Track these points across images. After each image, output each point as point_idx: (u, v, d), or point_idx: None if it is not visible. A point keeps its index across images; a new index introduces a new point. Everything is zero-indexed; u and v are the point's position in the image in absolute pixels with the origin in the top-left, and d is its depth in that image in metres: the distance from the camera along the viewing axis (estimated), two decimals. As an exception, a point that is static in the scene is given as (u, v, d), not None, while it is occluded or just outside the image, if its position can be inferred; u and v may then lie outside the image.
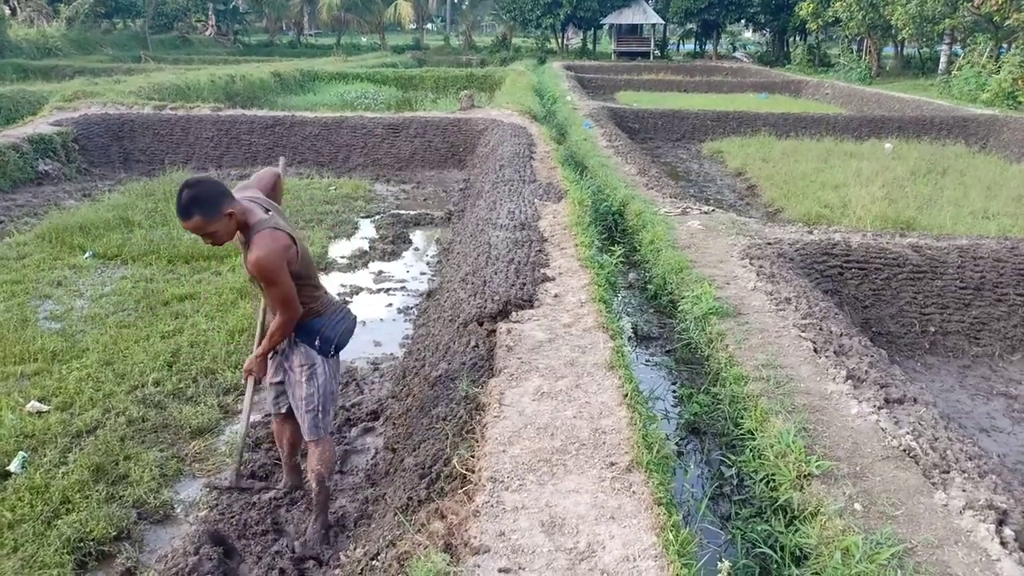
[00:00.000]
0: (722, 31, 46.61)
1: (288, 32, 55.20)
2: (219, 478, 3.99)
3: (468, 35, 52.07)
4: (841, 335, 4.93)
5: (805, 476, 3.36)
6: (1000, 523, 2.99)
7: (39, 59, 29.05)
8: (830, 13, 29.64)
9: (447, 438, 3.52)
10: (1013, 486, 3.34)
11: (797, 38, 41.36)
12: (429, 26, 60.37)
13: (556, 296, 5.21)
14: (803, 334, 4.92)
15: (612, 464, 3.14)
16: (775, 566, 3.21)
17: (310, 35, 56.51)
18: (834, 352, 4.63)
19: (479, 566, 2.56)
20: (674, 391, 5.26)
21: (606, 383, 3.88)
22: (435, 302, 6.45)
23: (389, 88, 23.96)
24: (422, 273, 7.76)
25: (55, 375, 4.93)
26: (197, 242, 6.54)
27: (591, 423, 3.48)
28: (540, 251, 6.18)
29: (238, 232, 3.10)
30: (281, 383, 3.52)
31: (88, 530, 3.46)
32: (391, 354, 5.77)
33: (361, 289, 7.15)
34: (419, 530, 2.87)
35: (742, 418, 4.11)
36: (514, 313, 4.88)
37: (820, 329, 4.98)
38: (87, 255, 7.46)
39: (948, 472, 3.33)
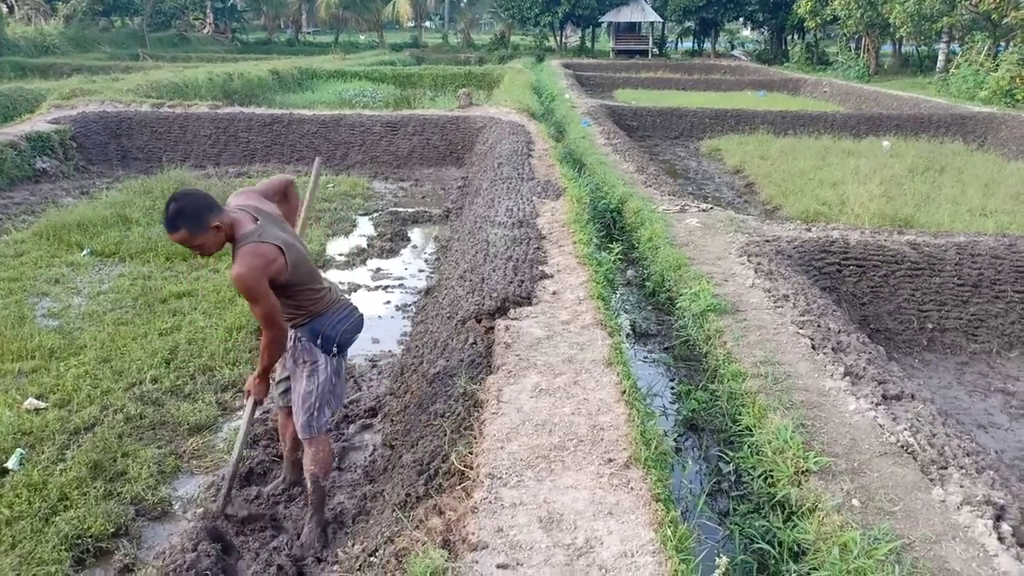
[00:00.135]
0: (720, 29, 46.62)
1: (286, 30, 55.13)
2: (212, 505, 3.69)
3: (466, 33, 52.04)
4: (839, 332, 4.94)
5: (803, 472, 3.37)
6: (998, 519, 3.00)
7: (37, 57, 29.00)
8: (828, 11, 29.68)
9: (445, 435, 3.52)
10: (1010, 482, 3.34)
11: (795, 36, 41.36)
12: (427, 24, 60.34)
13: (554, 293, 5.21)
14: (801, 331, 4.92)
15: (610, 460, 3.14)
16: (773, 562, 3.22)
17: (308, 33, 56.45)
18: (832, 349, 4.64)
19: (477, 562, 2.57)
20: (672, 388, 5.27)
21: (604, 380, 3.88)
22: (433, 299, 6.44)
23: (387, 86, 23.95)
24: (420, 270, 7.75)
25: (53, 372, 4.92)
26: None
27: (589, 420, 3.48)
28: (538, 248, 6.18)
29: (228, 243, 3.10)
30: (288, 379, 3.53)
31: (86, 527, 3.46)
32: (389, 351, 5.77)
33: (359, 286, 7.15)
34: (417, 526, 2.87)
35: (740, 414, 4.12)
36: (512, 310, 4.88)
37: (818, 326, 4.98)
38: (85, 253, 7.45)
39: (946, 468, 3.34)
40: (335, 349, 3.39)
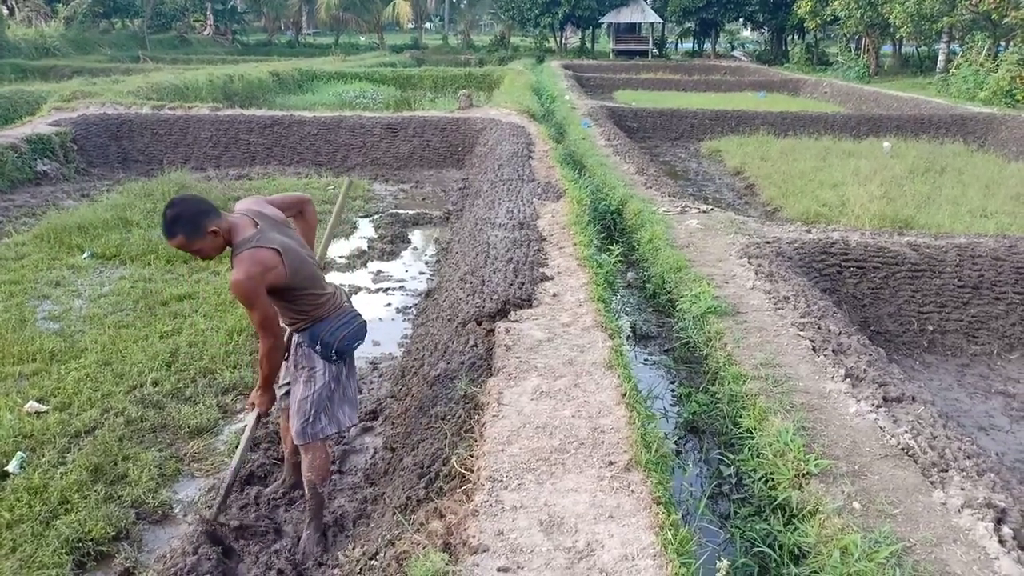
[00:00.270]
0: (720, 30, 46.64)
1: (286, 32, 55.17)
2: (207, 511, 3.65)
3: (466, 34, 52.10)
4: (839, 334, 4.93)
5: (804, 475, 3.37)
6: (998, 521, 2.99)
7: (37, 59, 29.01)
8: (828, 11, 29.69)
9: (446, 437, 3.52)
10: (1011, 484, 3.34)
11: (795, 37, 41.38)
12: (427, 25, 60.35)
13: (555, 295, 5.21)
14: (802, 333, 4.92)
15: (611, 463, 3.14)
16: (774, 565, 3.21)
17: (308, 35, 56.48)
18: (832, 351, 4.64)
19: (478, 565, 2.56)
20: (673, 390, 5.26)
21: (605, 382, 3.88)
22: (434, 302, 6.45)
23: (387, 87, 23.96)
24: (421, 273, 7.75)
25: (53, 375, 4.93)
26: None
27: (590, 422, 3.48)
28: (539, 250, 6.18)
29: (227, 247, 3.10)
30: (291, 382, 3.53)
31: (87, 530, 3.46)
32: (390, 354, 5.77)
33: (360, 289, 7.15)
34: (418, 530, 2.87)
35: (741, 417, 4.11)
36: (513, 312, 4.88)
37: (819, 328, 4.98)
38: (85, 255, 7.45)
39: (946, 471, 3.33)
40: (334, 355, 3.36)
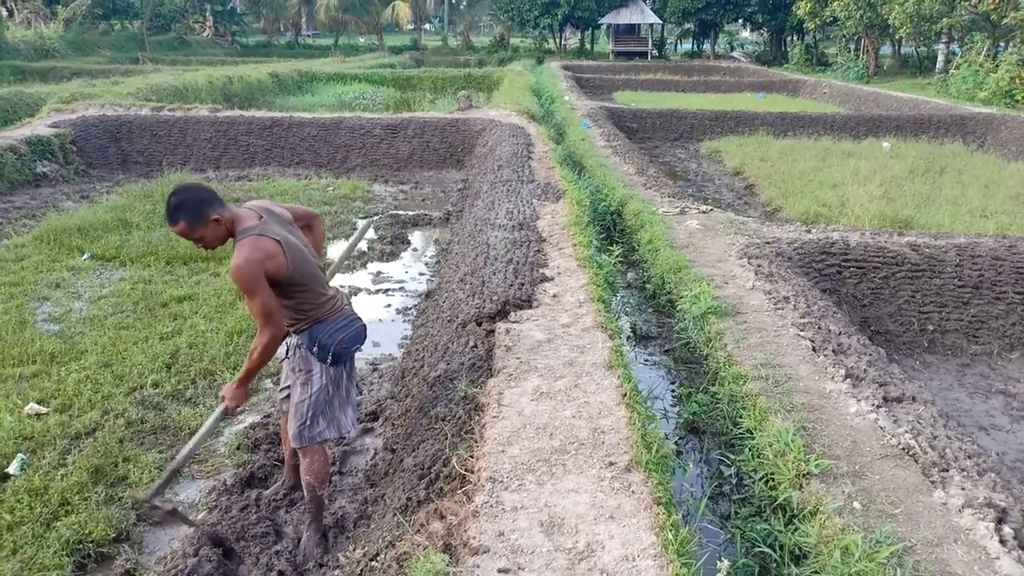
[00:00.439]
0: (720, 31, 46.63)
1: (286, 33, 55.17)
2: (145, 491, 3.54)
3: (466, 35, 52.11)
4: (840, 334, 4.93)
5: (804, 475, 3.37)
6: (999, 521, 2.99)
7: (36, 61, 29.00)
8: (828, 12, 29.69)
9: (446, 438, 3.52)
10: (1012, 484, 3.34)
11: (795, 37, 41.41)
12: (427, 26, 60.35)
13: (555, 296, 5.21)
14: (802, 333, 4.92)
15: (611, 464, 3.14)
16: (774, 565, 3.21)
17: (308, 36, 56.49)
18: (833, 351, 4.64)
19: (478, 566, 2.56)
20: (673, 390, 5.26)
21: (605, 383, 3.88)
22: (434, 302, 6.45)
23: (387, 89, 23.97)
24: (420, 274, 7.76)
25: (54, 377, 4.93)
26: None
27: (590, 423, 3.48)
28: (538, 251, 6.18)
29: (230, 237, 3.10)
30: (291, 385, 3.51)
31: (87, 532, 3.46)
32: (390, 355, 5.77)
33: (360, 290, 7.15)
34: (418, 531, 2.87)
35: (741, 417, 4.11)
36: (513, 313, 4.88)
37: (819, 328, 4.98)
38: (85, 257, 7.45)
39: (947, 470, 3.33)
40: (331, 358, 3.32)
